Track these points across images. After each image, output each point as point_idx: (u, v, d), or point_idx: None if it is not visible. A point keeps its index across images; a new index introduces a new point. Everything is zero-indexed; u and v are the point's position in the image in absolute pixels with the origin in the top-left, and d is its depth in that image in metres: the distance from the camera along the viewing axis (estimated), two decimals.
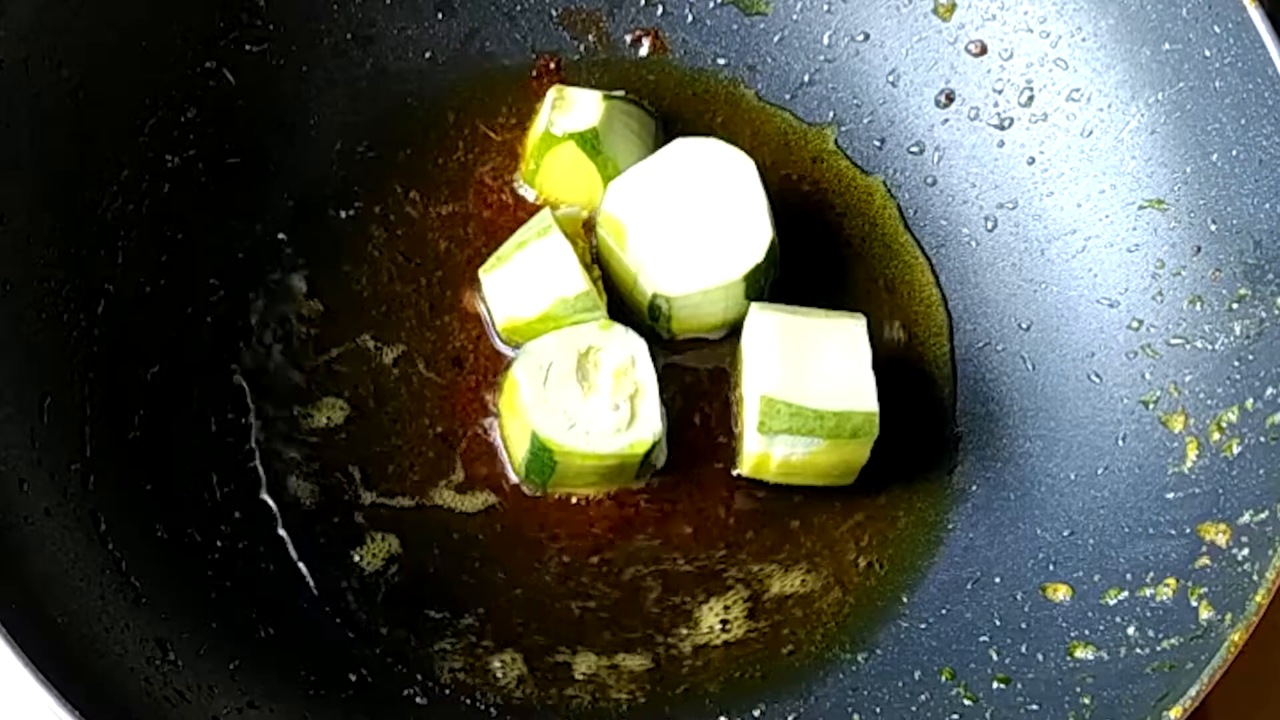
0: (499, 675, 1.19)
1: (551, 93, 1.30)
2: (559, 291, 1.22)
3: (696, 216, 1.25)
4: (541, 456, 1.19)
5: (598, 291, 1.24)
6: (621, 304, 1.27)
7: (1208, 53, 1.17)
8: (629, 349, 1.21)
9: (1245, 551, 1.07)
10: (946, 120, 1.34)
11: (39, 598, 1.02)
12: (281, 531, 1.22)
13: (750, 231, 1.25)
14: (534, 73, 1.36)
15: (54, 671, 0.95)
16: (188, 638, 1.11)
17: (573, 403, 1.19)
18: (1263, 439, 1.11)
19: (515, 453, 1.23)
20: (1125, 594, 1.12)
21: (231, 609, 1.15)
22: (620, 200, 1.26)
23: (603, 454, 1.19)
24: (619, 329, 1.22)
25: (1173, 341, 1.20)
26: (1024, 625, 1.16)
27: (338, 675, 1.17)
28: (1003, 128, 1.32)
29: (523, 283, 1.24)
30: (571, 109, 1.29)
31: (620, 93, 1.33)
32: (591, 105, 1.29)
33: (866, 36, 1.36)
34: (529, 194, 1.32)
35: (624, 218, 1.26)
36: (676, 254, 1.25)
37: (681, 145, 1.27)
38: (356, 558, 1.21)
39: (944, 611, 1.20)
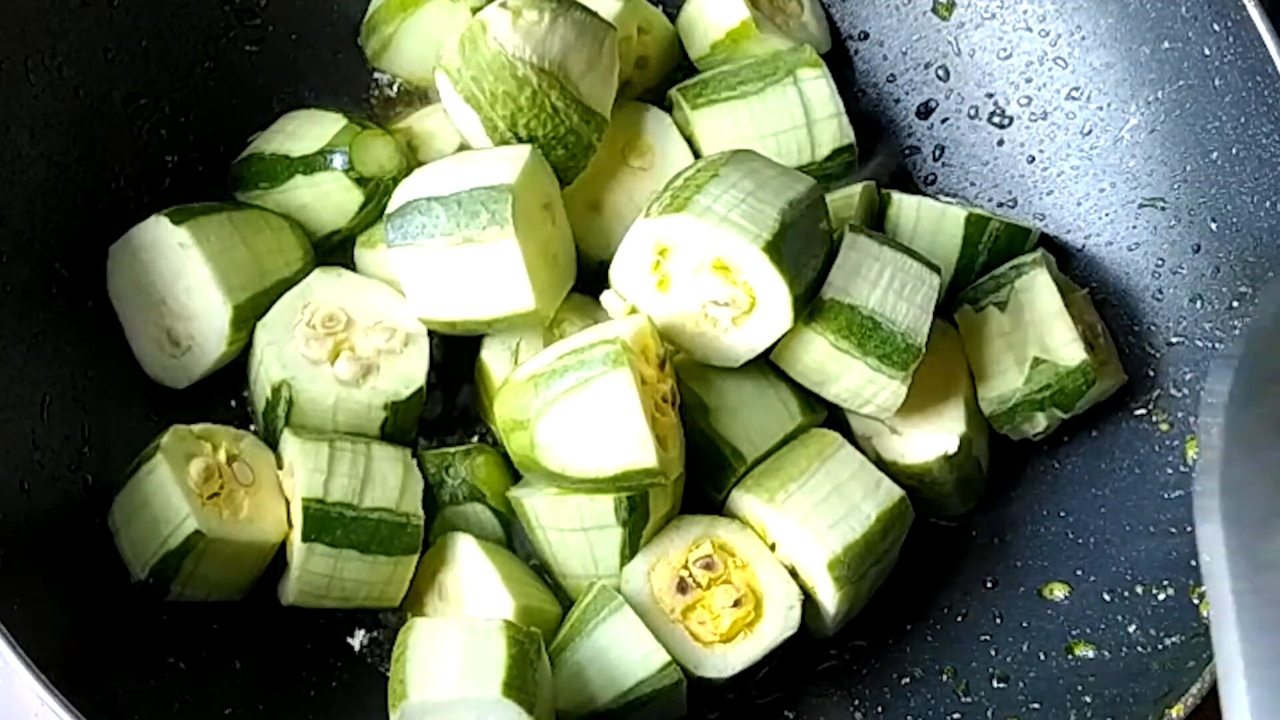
0: None
1: None
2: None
3: None
4: None
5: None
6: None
7: (1207, 51, 1.17)
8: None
9: None
10: (946, 119, 1.34)
11: (40, 598, 1.02)
12: None
13: None
14: None
15: (54, 671, 0.95)
16: (189, 639, 1.11)
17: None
18: None
19: None
20: (1125, 592, 1.12)
21: (233, 610, 1.15)
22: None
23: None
24: None
25: (1173, 340, 1.20)
26: (1024, 624, 1.16)
27: (336, 675, 1.17)
28: (1002, 126, 1.32)
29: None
30: None
31: None
32: None
33: (865, 35, 1.36)
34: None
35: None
36: None
37: None
38: None
39: (944, 611, 1.20)
